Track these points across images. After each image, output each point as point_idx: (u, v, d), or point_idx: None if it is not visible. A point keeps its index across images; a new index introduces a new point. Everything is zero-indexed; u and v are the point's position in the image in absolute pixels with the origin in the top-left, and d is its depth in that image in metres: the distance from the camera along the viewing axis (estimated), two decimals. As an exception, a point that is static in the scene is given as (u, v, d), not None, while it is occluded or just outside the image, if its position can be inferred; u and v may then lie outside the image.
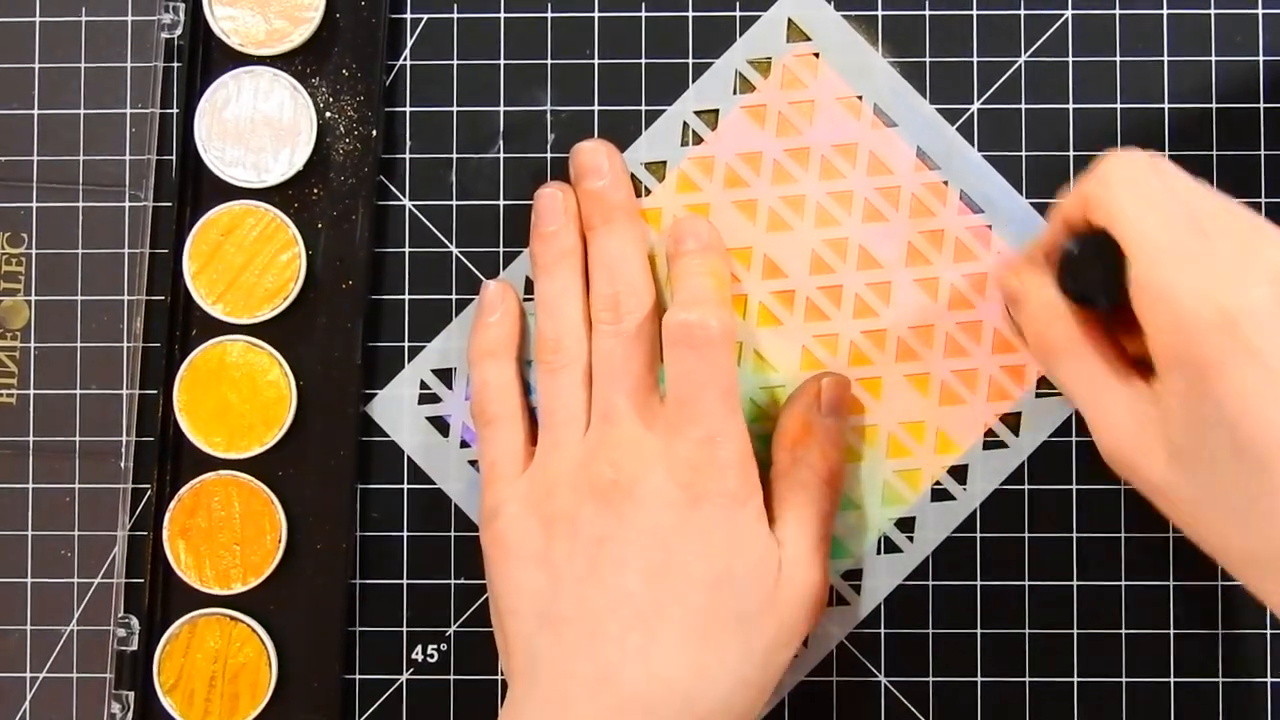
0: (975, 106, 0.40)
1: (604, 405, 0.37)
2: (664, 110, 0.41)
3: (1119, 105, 0.40)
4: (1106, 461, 0.34)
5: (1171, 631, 0.40)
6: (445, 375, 0.41)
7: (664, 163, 0.41)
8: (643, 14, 0.41)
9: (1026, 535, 0.40)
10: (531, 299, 0.40)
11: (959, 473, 0.40)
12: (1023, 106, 0.40)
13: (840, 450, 0.39)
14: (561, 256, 0.39)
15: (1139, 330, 0.33)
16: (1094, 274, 0.33)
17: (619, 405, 0.37)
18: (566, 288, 0.39)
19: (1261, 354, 0.29)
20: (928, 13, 0.41)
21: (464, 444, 0.41)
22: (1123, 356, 0.34)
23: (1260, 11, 0.40)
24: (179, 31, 0.40)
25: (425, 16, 0.41)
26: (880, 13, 0.41)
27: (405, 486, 0.41)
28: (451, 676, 0.41)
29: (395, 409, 0.41)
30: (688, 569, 0.35)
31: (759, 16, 0.41)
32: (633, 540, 0.35)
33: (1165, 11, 0.40)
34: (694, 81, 0.41)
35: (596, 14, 0.41)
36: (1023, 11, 0.41)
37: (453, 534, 0.41)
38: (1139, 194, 0.32)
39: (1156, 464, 0.32)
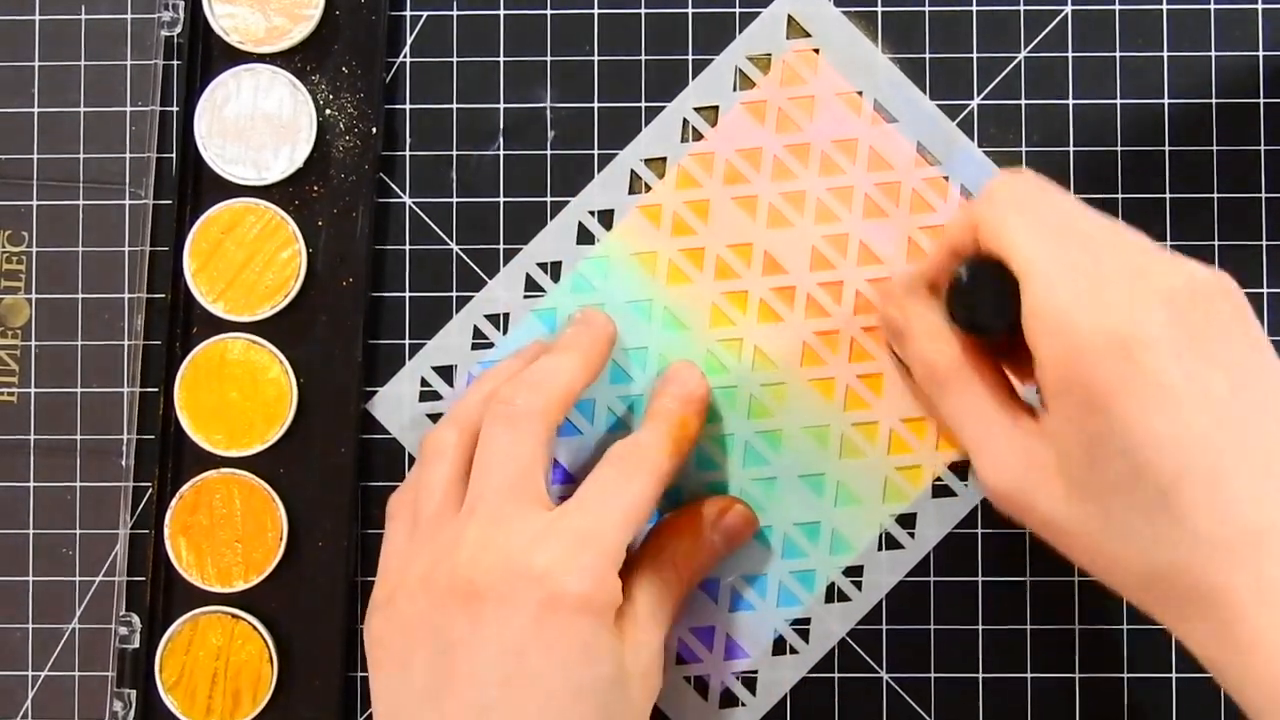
0: (975, 102, 0.40)
1: (473, 500, 0.35)
2: (664, 106, 0.41)
3: (1119, 100, 0.40)
4: (995, 502, 0.33)
5: (1173, 627, 0.40)
6: (446, 372, 0.41)
7: (664, 159, 0.41)
8: (642, 10, 0.41)
9: (1028, 531, 0.40)
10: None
11: (960, 468, 0.40)
12: (1023, 102, 0.40)
13: (706, 567, 0.38)
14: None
15: (1023, 359, 0.32)
16: (985, 301, 0.32)
17: (488, 500, 0.34)
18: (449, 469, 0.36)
19: (1158, 378, 0.29)
20: (927, 8, 0.41)
21: (465, 441, 0.41)
22: (1009, 389, 0.34)
23: (1260, 6, 0.40)
24: (179, 29, 0.40)
25: (425, 13, 0.41)
26: (880, 9, 0.41)
27: (406, 484, 0.41)
28: (453, 674, 0.41)
29: (396, 406, 0.41)
30: (543, 679, 0.33)
31: (759, 13, 0.41)
32: (488, 648, 0.33)
33: (1165, 6, 0.40)
34: (694, 78, 0.41)
35: (596, 10, 0.41)
36: (1022, 7, 0.41)
37: (454, 531, 0.41)
38: (1030, 217, 0.31)
39: (1054, 499, 0.31)
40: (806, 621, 0.40)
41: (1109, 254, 0.31)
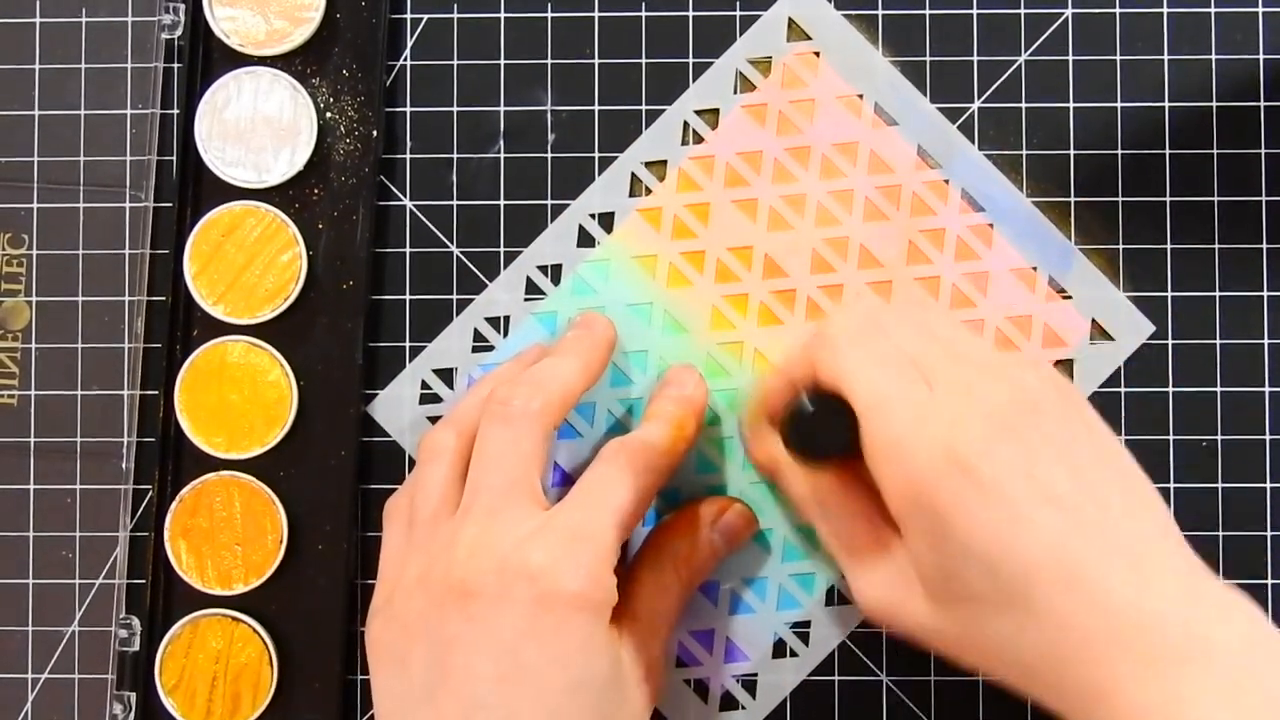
0: (976, 105, 0.40)
1: (469, 499, 0.35)
2: (664, 109, 0.41)
3: (1119, 104, 0.40)
4: (867, 616, 0.34)
5: (1173, 630, 0.40)
6: (446, 375, 0.41)
7: (664, 162, 0.41)
8: (643, 13, 0.41)
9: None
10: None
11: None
12: (1023, 105, 0.40)
13: (705, 568, 0.38)
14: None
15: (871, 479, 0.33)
16: (823, 431, 0.33)
17: (483, 500, 0.35)
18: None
19: (995, 487, 0.30)
20: (928, 12, 0.41)
21: (465, 444, 0.41)
22: (874, 508, 0.34)
23: (1260, 10, 0.40)
24: (179, 32, 0.40)
25: (425, 16, 0.41)
26: (880, 12, 0.41)
27: (406, 486, 0.41)
28: (453, 676, 0.40)
29: (396, 409, 0.41)
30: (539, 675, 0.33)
31: (759, 16, 0.41)
32: (483, 644, 0.33)
33: (1165, 10, 0.40)
34: (694, 81, 0.41)
35: (596, 13, 0.41)
36: (1023, 10, 0.41)
37: (454, 534, 0.41)
38: (864, 353, 0.33)
39: (919, 611, 0.32)
40: (806, 624, 0.40)
41: (940, 378, 0.32)
